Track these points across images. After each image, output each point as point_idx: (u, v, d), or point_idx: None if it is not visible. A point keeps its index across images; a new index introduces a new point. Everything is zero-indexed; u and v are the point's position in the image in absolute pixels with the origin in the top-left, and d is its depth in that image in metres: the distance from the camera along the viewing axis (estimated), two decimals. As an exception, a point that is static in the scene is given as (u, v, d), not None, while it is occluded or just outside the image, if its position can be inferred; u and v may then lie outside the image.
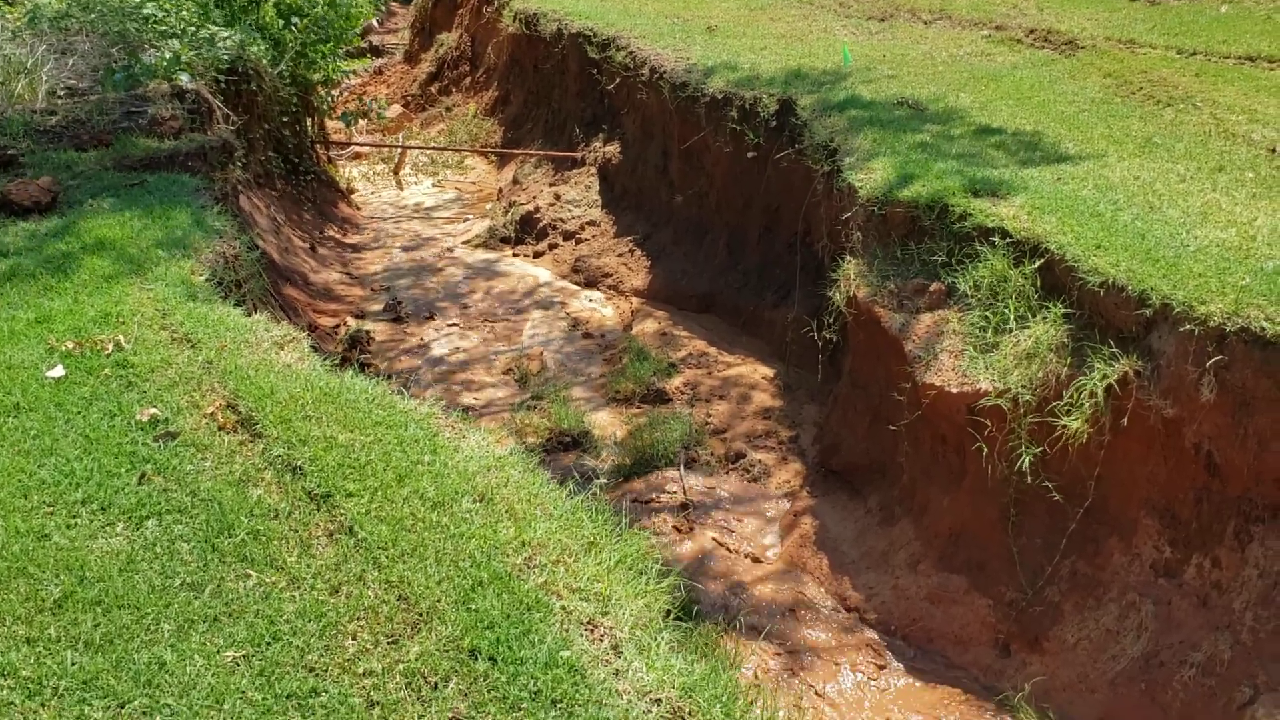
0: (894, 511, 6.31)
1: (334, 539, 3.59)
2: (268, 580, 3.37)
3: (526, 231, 11.51)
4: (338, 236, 11.76)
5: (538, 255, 11.16)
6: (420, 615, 3.24)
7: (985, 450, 5.34)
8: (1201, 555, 5.00)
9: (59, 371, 4.47)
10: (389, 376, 5.15)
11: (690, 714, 3.06)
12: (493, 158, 14.30)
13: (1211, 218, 5.44)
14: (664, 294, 9.76)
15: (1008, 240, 5.62)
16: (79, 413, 4.20)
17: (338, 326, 9.34)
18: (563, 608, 3.38)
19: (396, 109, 16.42)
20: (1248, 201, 5.65)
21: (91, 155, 7.10)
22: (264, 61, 10.42)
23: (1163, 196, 5.77)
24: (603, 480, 6.83)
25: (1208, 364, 4.66)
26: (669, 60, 10.02)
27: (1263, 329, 4.49)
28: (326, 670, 3.01)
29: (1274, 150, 6.53)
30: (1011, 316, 5.45)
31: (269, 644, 3.09)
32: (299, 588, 3.34)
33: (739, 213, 9.28)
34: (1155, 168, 6.30)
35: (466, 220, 12.56)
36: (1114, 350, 5.02)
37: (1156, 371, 4.93)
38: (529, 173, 12.60)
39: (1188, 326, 4.72)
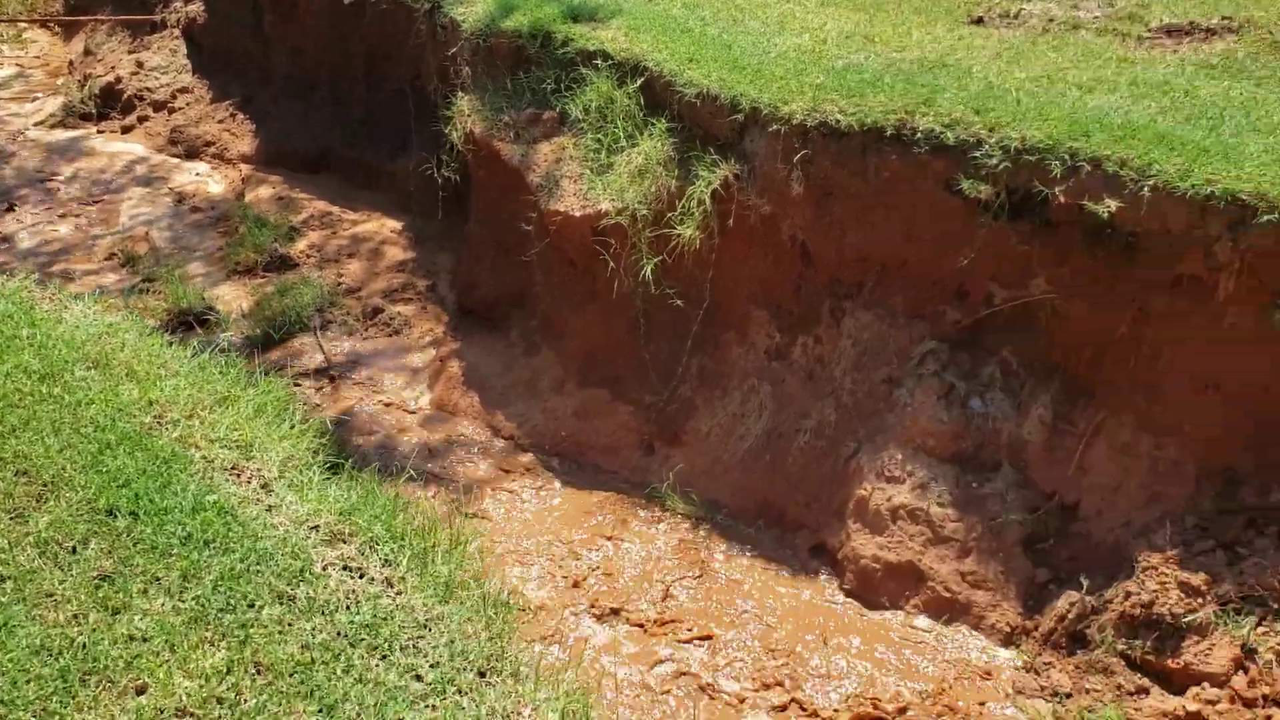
0: (535, 340, 6.51)
1: (-74, 427, 3.25)
2: None
3: (110, 105, 10.48)
4: (-125, 129, 10.18)
5: (127, 130, 10.22)
6: (45, 486, 3.02)
7: (611, 268, 5.60)
8: (805, 336, 5.57)
9: None
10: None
11: (351, 534, 3.09)
12: (56, 28, 12.79)
13: (788, 26, 5.87)
14: (274, 157, 9.27)
15: (610, 62, 5.79)
16: None
17: (-108, 230, 8.19)
18: (203, 458, 3.27)
19: (-74, -21, 14.19)
20: (818, 9, 6.15)
21: None
22: None
23: (744, 10, 6.15)
24: (230, 334, 6.54)
25: (795, 160, 5.11)
26: (245, -96, 9.29)
27: (837, 121, 4.96)
28: (-59, 557, 2.76)
29: (837, -35, 7.09)
30: (621, 136, 5.67)
31: None
32: (-109, 482, 3.01)
33: (343, 65, 8.90)
34: (737, -16, 6.68)
35: (36, 99, 11.23)
36: (714, 157, 5.37)
37: (752, 172, 5.34)
38: (102, 41, 11.38)
39: (775, 126, 5.13)
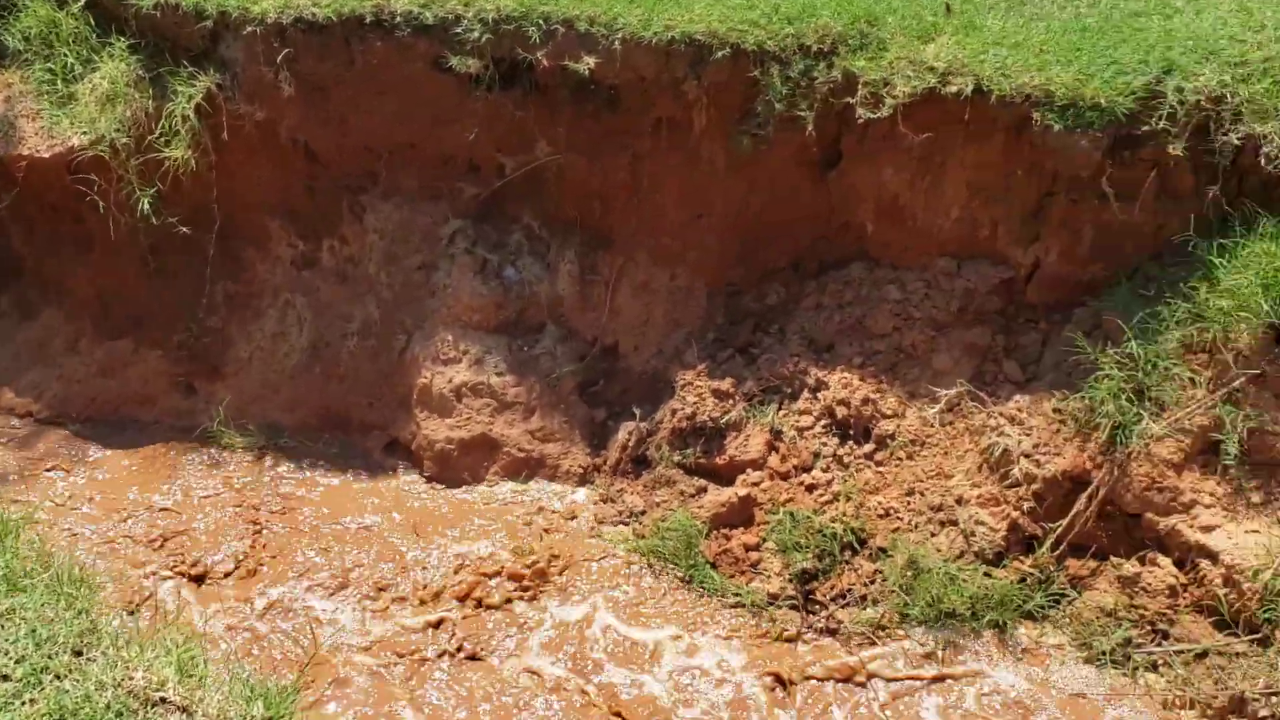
0: (31, 302, 5.84)
1: None
2: None
3: None
4: None
5: None
6: None
7: (102, 207, 5.11)
8: (330, 238, 5.48)
9: None
10: None
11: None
12: None
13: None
14: None
15: (39, -17, 5.19)
16: None
17: None
18: None
19: None
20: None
21: None
22: None
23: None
24: None
25: (278, 60, 4.92)
26: None
27: (313, 15, 4.83)
28: None
29: None
30: (76, 62, 5.14)
31: None
32: None
33: None
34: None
35: None
36: (191, 70, 5.04)
37: (236, 80, 5.08)
38: None
39: (249, 29, 4.89)
